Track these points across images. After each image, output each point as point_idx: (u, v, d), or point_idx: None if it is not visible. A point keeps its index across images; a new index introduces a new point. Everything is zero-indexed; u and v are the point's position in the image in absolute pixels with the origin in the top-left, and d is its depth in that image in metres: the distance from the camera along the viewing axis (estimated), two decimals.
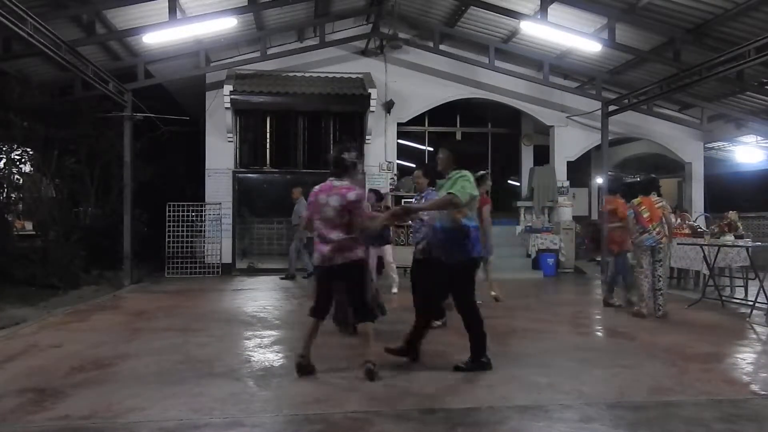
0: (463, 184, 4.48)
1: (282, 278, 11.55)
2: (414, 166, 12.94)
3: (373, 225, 4.60)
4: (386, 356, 4.75)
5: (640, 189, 7.55)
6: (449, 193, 4.43)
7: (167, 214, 12.35)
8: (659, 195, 7.74)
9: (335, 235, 4.42)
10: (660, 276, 7.20)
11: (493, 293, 8.30)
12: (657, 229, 7.11)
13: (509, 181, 16.59)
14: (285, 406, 3.86)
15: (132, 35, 10.47)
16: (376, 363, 4.39)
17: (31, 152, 10.50)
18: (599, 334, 6.78)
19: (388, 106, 13.31)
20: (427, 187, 6.37)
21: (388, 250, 8.46)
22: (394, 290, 8.60)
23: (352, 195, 4.41)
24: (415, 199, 6.68)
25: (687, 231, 9.77)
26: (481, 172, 7.74)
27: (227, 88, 12.01)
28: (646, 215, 7.16)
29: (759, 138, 15.73)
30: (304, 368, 4.46)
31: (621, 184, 7.98)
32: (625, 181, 10.01)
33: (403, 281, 8.28)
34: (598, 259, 12.60)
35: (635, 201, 7.34)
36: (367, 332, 4.53)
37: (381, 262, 7.77)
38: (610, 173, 13.54)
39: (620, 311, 7.79)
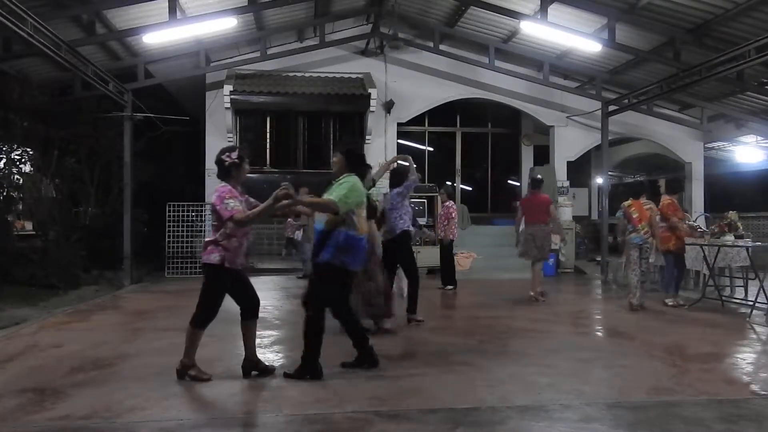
0: (347, 192, 4.31)
1: (299, 277, 11.49)
2: (415, 166, 13.01)
3: (243, 218, 4.33)
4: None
5: (669, 189, 8.23)
6: (326, 202, 4.29)
7: (167, 214, 12.34)
8: (674, 193, 8.26)
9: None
10: (644, 271, 7.75)
11: (532, 293, 8.58)
12: (645, 229, 7.64)
13: (509, 181, 16.60)
14: (285, 406, 3.85)
15: (132, 35, 10.48)
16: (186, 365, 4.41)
17: (31, 152, 10.49)
18: (599, 334, 6.78)
19: (388, 106, 13.31)
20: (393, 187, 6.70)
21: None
22: None
23: (213, 195, 4.40)
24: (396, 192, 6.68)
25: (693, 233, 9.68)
26: (538, 176, 9.00)
27: (227, 88, 12.02)
28: (635, 215, 7.70)
29: (759, 138, 15.74)
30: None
31: (650, 183, 8.27)
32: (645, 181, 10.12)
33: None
34: (598, 259, 12.60)
35: (626, 203, 7.87)
36: (188, 335, 4.49)
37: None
38: (610, 173, 13.52)
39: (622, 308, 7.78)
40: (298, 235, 11.94)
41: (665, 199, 8.18)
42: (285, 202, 4.20)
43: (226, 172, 4.46)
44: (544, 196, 8.87)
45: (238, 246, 4.44)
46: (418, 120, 14.20)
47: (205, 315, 4.46)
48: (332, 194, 4.32)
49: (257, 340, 5.85)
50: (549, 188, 13.83)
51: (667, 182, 8.60)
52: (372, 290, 5.84)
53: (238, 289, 4.60)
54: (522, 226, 8.80)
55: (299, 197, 4.45)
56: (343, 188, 4.34)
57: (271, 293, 9.59)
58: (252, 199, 4.54)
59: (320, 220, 4.52)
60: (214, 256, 4.39)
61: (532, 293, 8.58)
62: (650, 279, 8.41)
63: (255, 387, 4.29)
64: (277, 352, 5.44)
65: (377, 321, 6.07)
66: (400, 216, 6.55)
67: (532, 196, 8.88)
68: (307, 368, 4.39)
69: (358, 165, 4.60)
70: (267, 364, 4.62)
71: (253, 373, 4.50)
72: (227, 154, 4.46)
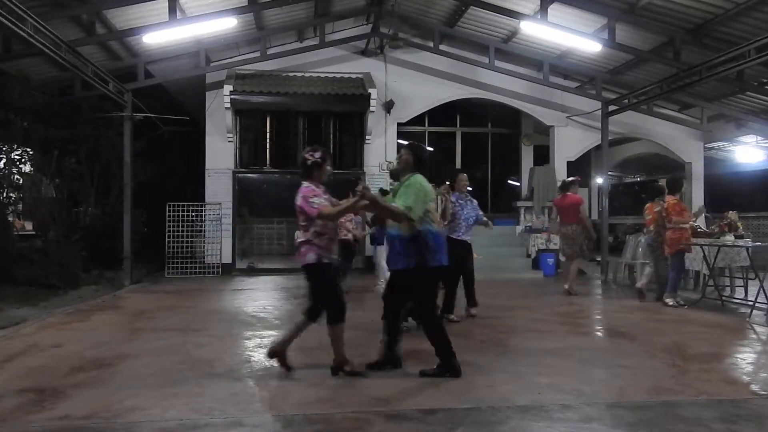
0: (414, 195, 4.37)
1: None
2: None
3: (332, 213, 4.41)
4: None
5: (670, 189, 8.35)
6: (406, 207, 4.32)
7: (167, 214, 12.35)
8: (674, 193, 8.33)
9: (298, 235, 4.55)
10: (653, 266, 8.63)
11: (566, 286, 9.20)
12: (654, 230, 8.33)
13: (509, 181, 16.60)
14: (285, 406, 3.86)
15: (132, 35, 10.47)
16: (340, 363, 4.47)
17: (31, 152, 10.50)
18: (599, 334, 6.78)
19: (388, 106, 13.30)
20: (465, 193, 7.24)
21: (381, 252, 8.92)
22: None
23: (297, 197, 4.45)
24: (457, 201, 7.04)
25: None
26: (571, 178, 9.54)
27: (227, 88, 12.01)
28: (648, 217, 8.49)
29: (759, 138, 15.73)
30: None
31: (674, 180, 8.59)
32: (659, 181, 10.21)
33: None
34: (598, 259, 12.60)
35: (646, 206, 8.63)
36: (330, 334, 4.49)
37: None
38: (610, 173, 13.51)
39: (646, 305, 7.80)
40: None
41: (670, 199, 8.18)
42: (364, 202, 4.32)
43: (308, 171, 4.52)
44: (575, 197, 9.24)
45: (329, 242, 4.50)
46: (418, 120, 14.19)
47: (335, 310, 4.49)
48: (400, 200, 4.37)
49: (257, 340, 5.90)
50: (549, 188, 13.87)
51: (666, 182, 8.64)
52: None
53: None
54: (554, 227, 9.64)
55: (377, 197, 4.43)
56: (410, 194, 4.37)
57: (272, 293, 9.60)
58: (333, 198, 4.62)
59: (392, 225, 4.54)
60: (310, 257, 4.45)
61: (566, 286, 9.19)
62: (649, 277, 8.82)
63: (255, 387, 4.29)
64: None
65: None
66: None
67: (563, 197, 9.31)
68: (446, 367, 4.44)
69: (423, 165, 4.65)
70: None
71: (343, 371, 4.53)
72: (310, 153, 4.53)
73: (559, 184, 10.00)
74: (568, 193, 9.25)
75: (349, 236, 10.20)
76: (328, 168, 4.59)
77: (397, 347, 4.66)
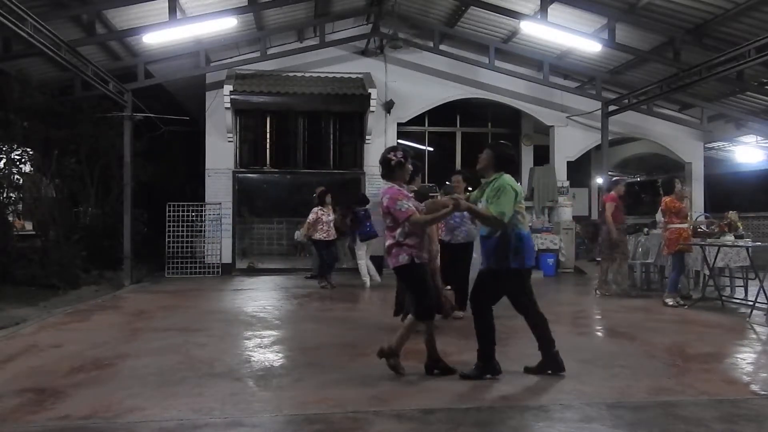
0: (506, 199, 4.31)
1: (307, 278, 11.50)
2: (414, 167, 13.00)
3: (421, 221, 4.43)
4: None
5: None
6: (500, 213, 4.27)
7: (167, 214, 12.35)
8: (668, 193, 8.30)
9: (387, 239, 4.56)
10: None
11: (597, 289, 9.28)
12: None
13: None
14: (285, 406, 3.85)
15: (132, 35, 10.48)
16: (393, 352, 4.45)
17: (31, 152, 10.50)
18: (599, 334, 6.77)
19: (388, 106, 13.30)
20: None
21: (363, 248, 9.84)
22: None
23: (384, 198, 4.44)
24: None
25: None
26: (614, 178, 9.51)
27: (227, 88, 12.01)
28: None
29: (759, 138, 15.72)
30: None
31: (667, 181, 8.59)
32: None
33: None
34: (598, 259, 12.59)
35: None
36: (407, 326, 4.48)
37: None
38: (609, 173, 13.50)
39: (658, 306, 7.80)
40: (298, 234, 11.95)
41: (666, 200, 8.19)
42: (449, 209, 4.34)
43: (390, 172, 4.51)
44: (607, 196, 9.30)
45: (420, 241, 4.47)
46: (418, 120, 14.18)
47: (425, 307, 4.45)
48: (493, 206, 4.30)
49: (257, 340, 5.90)
50: (549, 188, 13.88)
51: (661, 184, 8.65)
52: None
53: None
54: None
55: (468, 204, 4.45)
56: (503, 200, 4.29)
57: (272, 293, 9.60)
58: (417, 202, 4.62)
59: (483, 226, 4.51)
60: (402, 258, 4.41)
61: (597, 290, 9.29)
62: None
63: (255, 387, 4.29)
64: (277, 352, 5.44)
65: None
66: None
67: (604, 198, 9.46)
68: (486, 367, 4.41)
69: (507, 164, 4.59)
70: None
71: (435, 372, 4.51)
72: (392, 153, 4.52)
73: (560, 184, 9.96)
74: (608, 193, 9.33)
75: (324, 235, 10.23)
76: (410, 167, 4.60)
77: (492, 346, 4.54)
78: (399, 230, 4.40)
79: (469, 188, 7.61)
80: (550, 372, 4.50)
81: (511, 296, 4.60)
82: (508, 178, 4.46)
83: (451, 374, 4.46)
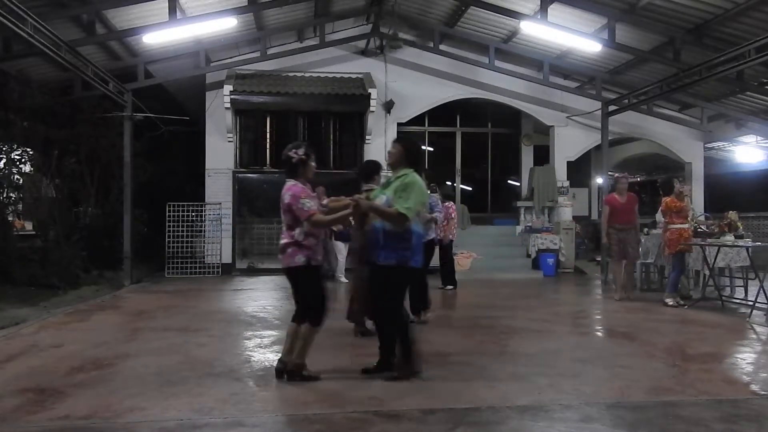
0: (414, 196, 4.23)
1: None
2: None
3: (322, 221, 4.33)
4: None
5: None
6: (400, 213, 4.18)
7: (167, 214, 12.35)
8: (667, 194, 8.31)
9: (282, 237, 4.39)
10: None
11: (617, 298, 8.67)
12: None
13: (509, 181, 16.60)
14: (285, 406, 3.86)
15: (132, 35, 10.47)
16: (299, 367, 4.33)
17: (31, 152, 10.50)
18: (599, 334, 6.78)
19: (388, 106, 13.30)
20: (431, 194, 6.84)
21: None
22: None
23: (286, 195, 4.30)
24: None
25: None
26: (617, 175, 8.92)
27: (227, 88, 12.01)
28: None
29: (759, 138, 15.71)
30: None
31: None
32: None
33: None
34: (598, 259, 12.60)
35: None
36: (304, 336, 4.33)
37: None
38: (609, 173, 13.51)
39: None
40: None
41: (666, 200, 8.20)
42: (351, 208, 4.25)
43: (293, 170, 4.38)
44: (606, 196, 9.26)
45: (317, 244, 4.34)
46: (418, 120, 14.18)
47: (320, 313, 4.35)
48: (400, 201, 4.21)
49: (257, 340, 5.90)
50: (549, 188, 13.88)
51: (660, 185, 8.67)
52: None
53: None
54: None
55: (372, 206, 4.32)
56: (411, 196, 4.22)
57: (272, 293, 9.59)
58: (320, 201, 4.53)
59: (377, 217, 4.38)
60: (299, 258, 4.27)
61: (621, 294, 8.73)
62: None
63: (255, 387, 4.29)
64: (277, 352, 5.42)
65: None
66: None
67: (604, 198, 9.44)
68: (410, 366, 4.36)
69: (418, 159, 4.53)
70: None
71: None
72: (294, 150, 4.39)
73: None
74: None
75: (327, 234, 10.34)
76: (313, 164, 4.45)
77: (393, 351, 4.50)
78: (298, 229, 4.26)
79: (431, 184, 7.60)
80: (412, 376, 4.35)
81: (388, 293, 4.41)
82: (417, 177, 4.39)
83: (313, 381, 4.31)
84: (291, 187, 4.31)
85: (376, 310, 4.54)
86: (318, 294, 4.36)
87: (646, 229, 9.82)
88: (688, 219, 8.39)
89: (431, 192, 7.21)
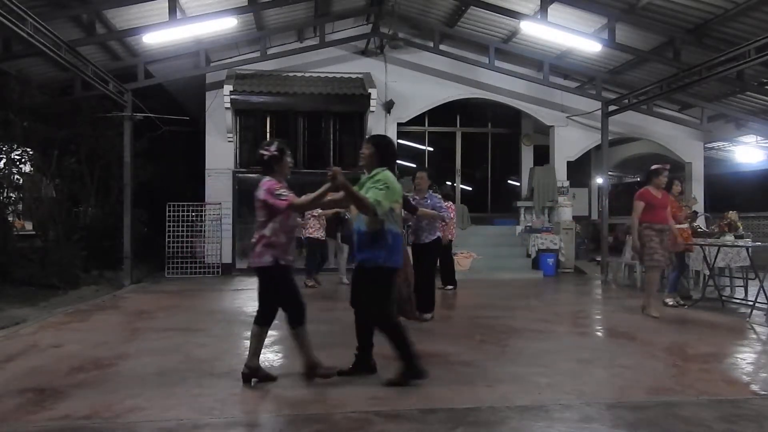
0: (387, 194, 4.17)
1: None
2: (414, 166, 13.03)
3: (303, 203, 4.28)
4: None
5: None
6: (375, 201, 4.12)
7: (167, 214, 12.35)
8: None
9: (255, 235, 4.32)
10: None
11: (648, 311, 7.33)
12: None
13: (509, 181, 16.60)
14: (285, 406, 3.85)
15: (132, 35, 10.47)
16: (313, 365, 4.30)
17: (31, 152, 10.50)
18: (599, 334, 6.78)
19: (388, 106, 13.30)
20: (428, 190, 6.75)
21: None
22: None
23: (260, 192, 4.24)
24: (412, 199, 6.78)
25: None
26: (656, 166, 7.50)
27: (227, 88, 12.01)
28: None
29: (759, 138, 15.73)
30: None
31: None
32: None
33: None
34: (598, 259, 12.60)
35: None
36: (296, 338, 4.33)
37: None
38: (610, 173, 13.51)
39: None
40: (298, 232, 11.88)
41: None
42: (331, 184, 4.10)
43: (268, 167, 4.34)
44: (639, 191, 7.58)
45: (287, 242, 4.30)
46: (418, 120, 14.18)
47: (298, 311, 4.32)
48: (369, 194, 4.16)
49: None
50: (549, 188, 13.88)
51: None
52: (403, 292, 5.87)
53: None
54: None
55: (347, 184, 4.18)
56: (381, 190, 4.17)
57: None
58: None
59: (360, 220, 4.33)
60: (266, 258, 4.21)
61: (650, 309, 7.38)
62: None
63: (255, 387, 4.29)
64: (276, 352, 5.44)
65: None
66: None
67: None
68: (410, 371, 4.25)
69: (390, 158, 4.46)
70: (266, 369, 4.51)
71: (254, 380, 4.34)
72: (266, 148, 4.35)
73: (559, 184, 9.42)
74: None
75: (320, 234, 10.29)
76: (289, 161, 4.41)
77: (371, 352, 4.52)
78: (270, 226, 4.21)
79: (434, 185, 7.54)
80: (415, 379, 4.24)
81: (368, 295, 4.36)
82: (389, 174, 4.33)
83: (329, 377, 4.29)
84: (265, 183, 4.27)
85: (365, 312, 4.49)
86: (290, 293, 4.31)
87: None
88: (686, 214, 8.36)
89: (432, 192, 7.18)
